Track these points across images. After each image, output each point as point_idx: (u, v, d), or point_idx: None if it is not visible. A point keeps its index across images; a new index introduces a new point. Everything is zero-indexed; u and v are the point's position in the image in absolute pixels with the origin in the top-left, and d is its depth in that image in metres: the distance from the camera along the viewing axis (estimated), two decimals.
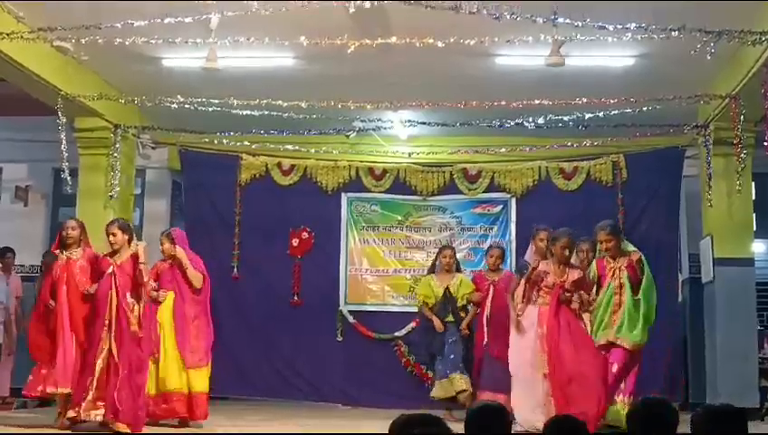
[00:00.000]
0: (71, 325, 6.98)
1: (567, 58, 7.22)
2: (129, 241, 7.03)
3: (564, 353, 6.73)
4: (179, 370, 7.36)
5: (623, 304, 6.89)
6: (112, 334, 6.69)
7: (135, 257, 6.85)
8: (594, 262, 7.19)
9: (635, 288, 6.95)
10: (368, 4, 6.43)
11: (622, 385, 6.90)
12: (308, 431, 7.48)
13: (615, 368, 6.82)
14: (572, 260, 7.42)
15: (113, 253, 6.97)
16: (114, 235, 6.97)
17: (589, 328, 7.08)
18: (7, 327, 9.56)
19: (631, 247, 7.17)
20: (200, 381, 7.47)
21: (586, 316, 7.15)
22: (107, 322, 6.73)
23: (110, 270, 6.84)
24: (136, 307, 6.82)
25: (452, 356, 8.45)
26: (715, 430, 3.18)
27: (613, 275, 6.97)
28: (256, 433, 7.34)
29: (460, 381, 8.34)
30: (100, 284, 6.89)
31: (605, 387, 6.74)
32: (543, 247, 7.51)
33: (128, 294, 6.80)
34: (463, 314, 8.60)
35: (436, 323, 8.52)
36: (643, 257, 7.08)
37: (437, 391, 8.49)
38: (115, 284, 6.78)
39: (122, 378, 6.61)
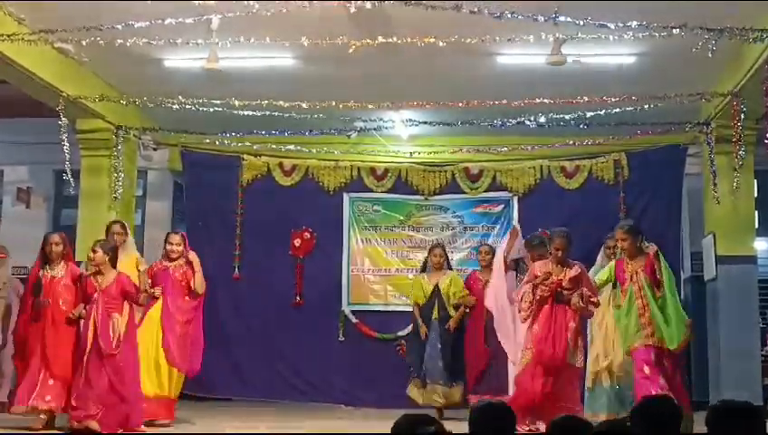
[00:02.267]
0: (52, 345, 7.02)
1: (568, 56, 7.22)
2: (112, 262, 7.05)
3: (545, 352, 6.91)
4: (156, 373, 7.39)
5: (647, 308, 6.79)
6: (90, 356, 6.77)
7: (131, 284, 7.01)
8: (613, 262, 7.17)
9: (655, 287, 6.86)
10: (368, 5, 6.43)
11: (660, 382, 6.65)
12: (310, 431, 7.46)
13: (647, 369, 6.67)
14: (598, 257, 7.69)
15: (96, 273, 7.01)
16: (95, 251, 7.02)
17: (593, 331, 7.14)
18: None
19: (647, 244, 7.06)
20: (179, 385, 7.60)
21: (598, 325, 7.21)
22: (87, 345, 6.81)
23: (95, 296, 6.91)
24: (118, 326, 6.86)
25: (439, 363, 8.46)
26: (732, 426, 3.17)
27: (632, 278, 6.89)
28: (258, 433, 7.34)
29: (439, 397, 8.39)
30: (87, 310, 6.95)
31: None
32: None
33: (113, 315, 6.87)
34: (452, 314, 8.63)
35: (422, 330, 8.61)
36: (659, 251, 6.96)
37: (413, 394, 8.52)
38: (98, 310, 6.84)
39: (101, 395, 6.69)
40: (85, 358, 6.80)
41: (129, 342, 6.97)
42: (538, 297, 7.04)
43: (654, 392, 6.40)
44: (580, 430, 3.27)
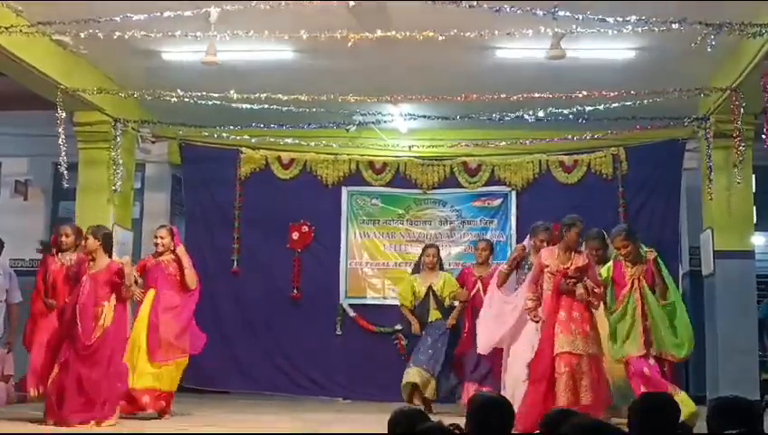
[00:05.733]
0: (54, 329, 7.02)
1: (567, 51, 7.21)
2: (106, 249, 6.92)
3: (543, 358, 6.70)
4: (148, 367, 7.28)
5: (648, 318, 6.75)
6: (73, 342, 6.63)
7: (119, 274, 6.79)
8: (612, 262, 7.06)
9: (660, 295, 6.82)
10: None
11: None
12: (309, 431, 7.45)
13: (643, 378, 6.66)
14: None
15: (90, 260, 6.91)
16: (86, 238, 6.93)
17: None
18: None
19: (645, 249, 7.01)
20: (172, 379, 7.43)
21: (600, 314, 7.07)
22: (69, 330, 6.68)
23: (83, 279, 6.79)
24: (106, 311, 6.72)
25: (435, 355, 8.38)
26: (731, 422, 3.18)
27: (632, 285, 6.81)
28: (260, 433, 7.32)
29: (428, 386, 8.30)
30: (72, 293, 6.86)
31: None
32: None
33: (104, 303, 6.72)
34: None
35: (414, 326, 8.56)
36: (658, 257, 6.90)
37: (410, 377, 8.36)
38: (82, 296, 6.70)
39: (80, 382, 6.57)
40: (65, 349, 6.67)
41: (117, 334, 6.81)
42: (548, 292, 6.82)
43: None
44: (565, 422, 3.22)
